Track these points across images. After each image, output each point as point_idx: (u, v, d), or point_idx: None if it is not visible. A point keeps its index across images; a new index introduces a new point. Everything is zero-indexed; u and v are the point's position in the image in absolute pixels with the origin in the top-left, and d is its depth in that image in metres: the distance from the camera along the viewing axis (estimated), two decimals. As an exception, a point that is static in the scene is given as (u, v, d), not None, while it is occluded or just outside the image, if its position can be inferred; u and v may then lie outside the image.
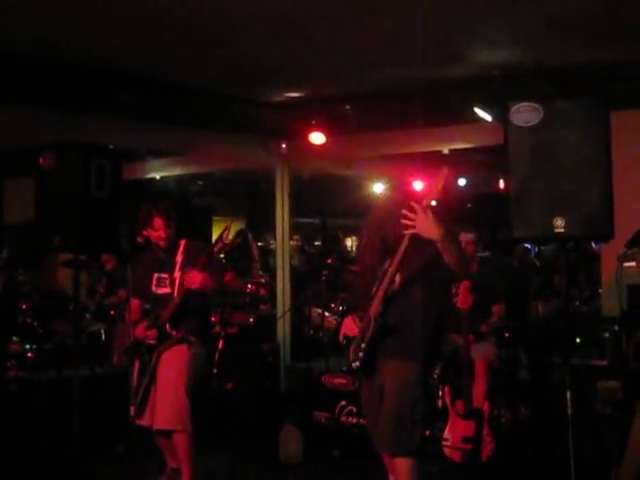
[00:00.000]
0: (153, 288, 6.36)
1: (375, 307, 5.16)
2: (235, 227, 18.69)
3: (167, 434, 6.19)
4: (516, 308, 8.55)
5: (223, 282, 6.29)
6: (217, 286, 6.12)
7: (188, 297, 6.09)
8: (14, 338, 8.67)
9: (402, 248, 4.96)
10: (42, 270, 11.02)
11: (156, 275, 6.36)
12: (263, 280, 11.71)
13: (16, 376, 8.10)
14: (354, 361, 5.30)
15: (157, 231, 6.23)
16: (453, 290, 6.71)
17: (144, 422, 6.20)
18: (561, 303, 7.87)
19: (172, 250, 6.34)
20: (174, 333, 6.18)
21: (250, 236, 13.24)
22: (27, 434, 7.38)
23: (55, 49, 7.25)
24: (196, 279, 5.91)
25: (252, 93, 9.13)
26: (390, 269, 5.07)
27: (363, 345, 5.22)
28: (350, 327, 5.44)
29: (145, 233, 6.28)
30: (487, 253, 12.94)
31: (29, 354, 8.60)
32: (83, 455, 6.24)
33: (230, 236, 5.99)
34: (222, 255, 6.13)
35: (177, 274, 6.21)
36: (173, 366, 6.18)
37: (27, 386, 8.02)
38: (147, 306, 6.53)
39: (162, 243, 6.28)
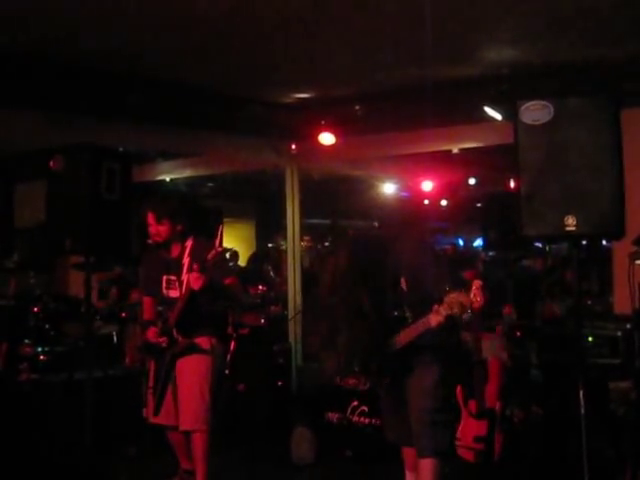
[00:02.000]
0: (164, 290, 6.37)
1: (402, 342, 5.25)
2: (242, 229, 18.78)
3: (186, 434, 6.22)
4: (526, 307, 8.55)
5: (222, 284, 6.25)
6: (206, 285, 6.06)
7: (191, 301, 6.09)
8: (26, 341, 8.69)
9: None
10: (53, 273, 11.04)
11: (165, 277, 6.37)
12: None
13: (28, 379, 8.12)
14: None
15: (150, 226, 6.26)
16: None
17: (160, 421, 6.23)
18: (573, 301, 7.85)
19: (177, 249, 6.34)
20: (180, 338, 6.18)
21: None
22: (40, 436, 7.39)
23: (65, 51, 7.26)
24: (198, 281, 5.92)
25: (262, 94, 9.13)
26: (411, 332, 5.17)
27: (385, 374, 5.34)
28: None
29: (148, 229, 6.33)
30: (497, 253, 12.95)
31: (41, 357, 8.61)
32: (95, 457, 6.25)
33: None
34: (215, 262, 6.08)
35: (185, 276, 6.21)
36: (196, 371, 6.20)
37: (39, 388, 8.03)
38: (160, 308, 6.54)
39: (155, 239, 6.29)
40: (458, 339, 6.72)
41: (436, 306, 5.00)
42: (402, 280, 5.37)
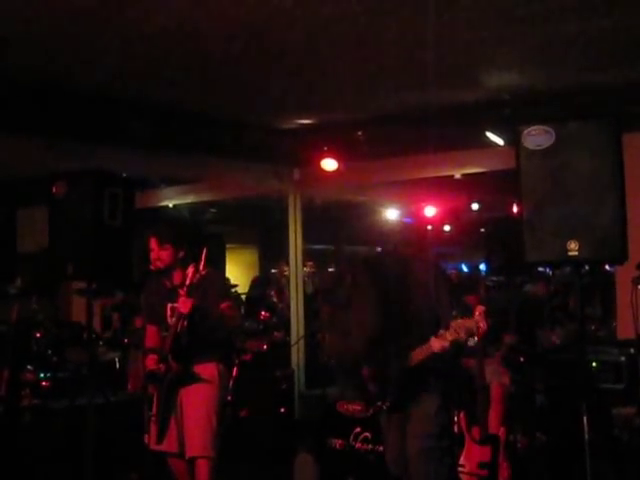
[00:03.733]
0: (169, 319, 6.35)
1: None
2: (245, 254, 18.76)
3: (190, 461, 6.19)
4: (528, 334, 8.52)
5: (212, 308, 6.22)
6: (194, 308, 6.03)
7: (192, 326, 6.06)
8: (28, 367, 8.67)
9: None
10: (56, 299, 11.04)
11: (169, 305, 6.34)
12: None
13: (30, 404, 8.10)
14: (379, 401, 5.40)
15: (152, 251, 6.24)
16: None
17: (161, 448, 6.19)
18: (576, 326, 7.84)
19: (178, 277, 6.31)
20: (174, 364, 6.13)
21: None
22: (41, 462, 7.36)
23: (68, 78, 7.29)
24: (186, 304, 5.90)
25: (264, 120, 9.15)
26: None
27: (389, 393, 5.33)
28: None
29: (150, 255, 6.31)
30: (501, 278, 12.93)
31: (43, 383, 8.60)
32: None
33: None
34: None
35: None
36: (202, 401, 6.17)
37: (41, 414, 8.01)
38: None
39: (158, 264, 6.26)
40: (459, 365, 6.69)
41: (442, 331, 4.99)
42: (414, 301, 5.35)
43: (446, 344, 4.99)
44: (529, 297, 11.89)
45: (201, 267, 5.94)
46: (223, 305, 6.24)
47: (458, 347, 5.34)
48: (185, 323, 6.03)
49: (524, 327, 8.14)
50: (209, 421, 6.14)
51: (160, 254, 6.23)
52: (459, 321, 4.95)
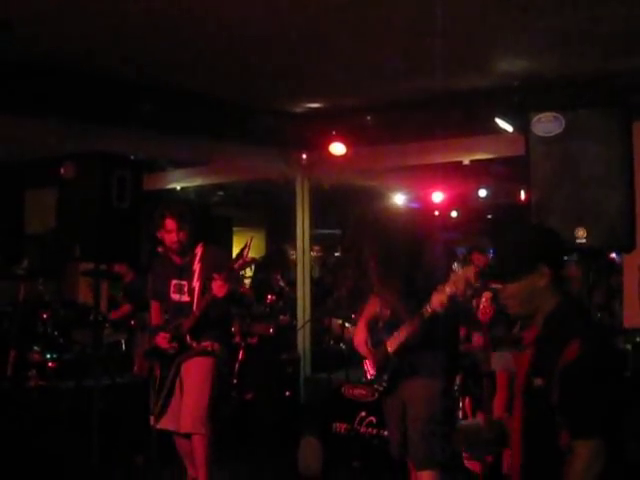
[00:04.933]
0: (172, 295, 6.37)
1: (393, 345, 5.23)
2: (256, 241, 18.78)
3: (189, 438, 6.22)
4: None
5: (239, 292, 6.29)
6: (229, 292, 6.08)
7: (210, 308, 6.10)
8: (35, 348, 8.69)
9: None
10: (63, 280, 11.06)
11: (174, 282, 6.36)
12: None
13: (37, 385, 8.12)
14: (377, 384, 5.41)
15: (169, 233, 6.23)
16: (474, 302, 6.68)
17: (165, 425, 6.22)
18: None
19: (188, 255, 6.34)
20: (194, 344, 6.19)
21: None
22: (47, 443, 7.39)
23: (77, 60, 7.28)
24: (222, 289, 5.92)
25: (273, 104, 9.14)
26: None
27: (385, 377, 5.31)
28: (361, 344, 5.54)
29: (159, 236, 6.30)
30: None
31: (50, 364, 8.61)
32: (103, 465, 6.25)
33: (250, 253, 6.00)
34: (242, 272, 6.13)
35: (196, 283, 6.20)
36: (200, 375, 6.20)
37: (47, 395, 8.03)
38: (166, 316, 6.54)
39: (175, 246, 6.27)
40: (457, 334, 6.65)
41: (441, 286, 4.95)
42: (419, 275, 5.34)
43: (444, 298, 4.94)
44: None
45: (246, 254, 5.93)
46: (243, 289, 6.32)
47: (456, 307, 5.30)
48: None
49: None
50: (203, 397, 6.16)
51: (179, 236, 6.24)
52: (458, 273, 4.92)
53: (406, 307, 5.29)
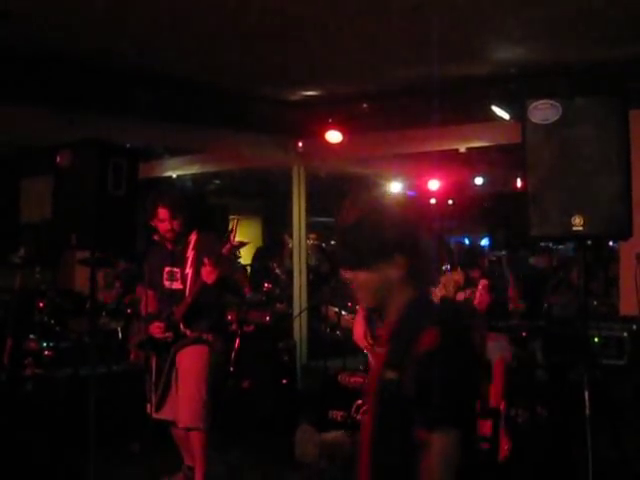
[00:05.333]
0: (165, 282, 6.38)
1: None
2: (248, 226, 18.75)
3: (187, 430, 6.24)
4: (533, 306, 8.53)
5: (233, 277, 6.29)
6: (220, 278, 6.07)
7: (201, 295, 6.10)
8: (31, 336, 8.70)
9: None
10: (59, 268, 11.05)
11: (167, 269, 6.37)
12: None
13: (33, 374, 8.13)
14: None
15: (162, 222, 6.26)
16: (470, 290, 6.69)
17: (163, 415, 6.23)
18: (576, 299, 7.84)
19: (182, 243, 6.35)
20: (188, 332, 6.19)
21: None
22: (43, 431, 7.40)
23: (72, 48, 7.27)
24: (212, 275, 5.92)
25: (269, 92, 9.13)
26: None
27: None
28: (360, 337, 5.54)
29: (153, 224, 6.31)
30: (504, 252, 12.91)
31: (46, 352, 8.62)
32: (99, 452, 6.24)
33: (237, 237, 6.00)
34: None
35: (189, 270, 6.22)
36: (194, 366, 6.21)
37: (44, 384, 8.04)
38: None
39: (168, 235, 6.29)
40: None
41: (431, 289, 4.97)
42: None
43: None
44: (533, 269, 11.93)
45: (232, 238, 5.94)
46: (236, 275, 6.32)
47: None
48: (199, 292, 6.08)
49: (530, 299, 8.16)
50: (199, 391, 6.18)
51: (173, 224, 6.25)
52: (447, 275, 4.94)
53: None
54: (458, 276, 4.89)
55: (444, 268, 5.05)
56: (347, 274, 3.06)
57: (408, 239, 3.04)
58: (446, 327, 2.88)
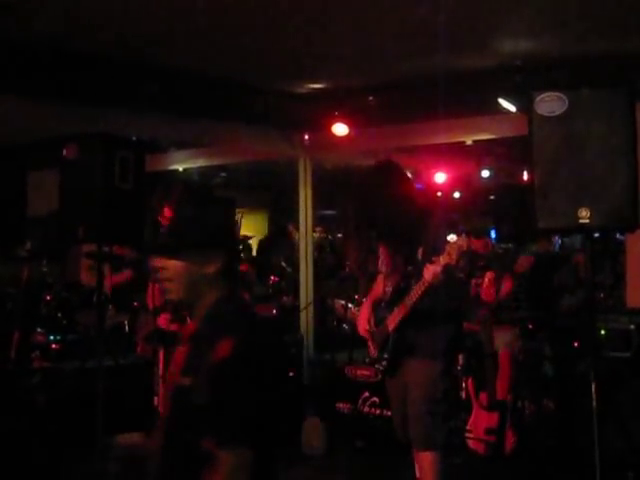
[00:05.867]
0: None
1: (393, 322, 5.26)
2: (254, 219, 18.76)
3: None
4: (541, 299, 8.53)
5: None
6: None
7: None
8: (38, 329, 8.72)
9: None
10: (66, 262, 11.07)
11: None
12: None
13: (40, 367, 8.15)
14: (378, 364, 5.45)
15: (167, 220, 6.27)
16: (475, 281, 6.71)
17: None
18: (585, 294, 7.84)
19: None
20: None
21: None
22: (50, 424, 7.42)
23: (78, 41, 7.26)
24: None
25: (275, 84, 9.12)
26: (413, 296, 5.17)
27: (386, 356, 5.35)
28: (363, 321, 5.58)
29: (160, 220, 6.32)
30: (510, 245, 12.93)
31: (53, 345, 8.65)
32: (106, 445, 6.26)
33: (242, 231, 6.02)
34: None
35: None
36: None
37: (51, 377, 8.06)
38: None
39: None
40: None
41: (435, 257, 5.00)
42: (420, 250, 5.37)
43: (438, 268, 4.98)
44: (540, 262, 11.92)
45: (236, 231, 5.96)
46: (243, 267, 6.33)
47: (452, 278, 5.33)
48: None
49: (538, 291, 8.17)
50: None
51: None
52: (451, 243, 4.96)
53: (406, 282, 5.34)
54: (462, 241, 4.90)
55: (450, 237, 5.05)
56: (159, 261, 2.94)
57: (229, 237, 3.00)
58: (246, 336, 2.75)
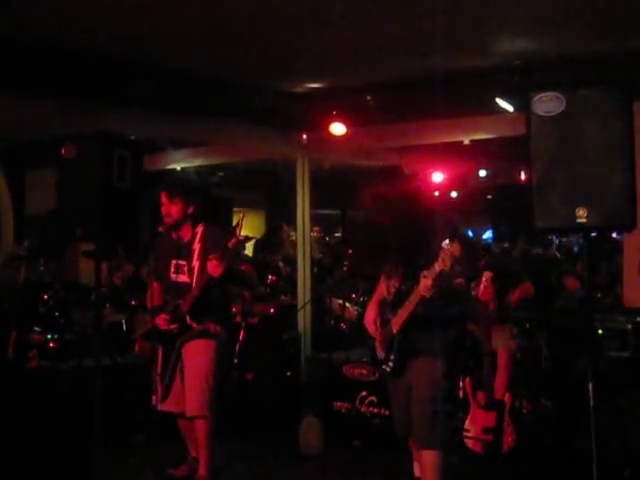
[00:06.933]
0: (171, 275, 6.40)
1: (397, 324, 5.28)
2: (252, 218, 18.76)
3: (192, 420, 6.26)
4: (538, 298, 8.53)
5: (239, 270, 6.32)
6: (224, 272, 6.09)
7: (208, 287, 6.12)
8: (36, 328, 8.71)
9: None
10: (63, 261, 11.06)
11: (174, 262, 6.39)
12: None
13: (38, 366, 8.14)
14: (384, 365, 5.48)
15: (162, 206, 6.33)
16: (474, 281, 6.70)
17: (167, 407, 6.25)
18: (583, 293, 7.85)
19: (187, 234, 6.37)
20: (194, 325, 6.21)
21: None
22: (48, 423, 7.41)
23: (76, 39, 7.26)
24: (218, 268, 5.94)
25: (273, 83, 9.11)
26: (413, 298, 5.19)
27: (392, 357, 5.37)
28: (370, 322, 5.60)
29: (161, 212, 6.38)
30: (507, 245, 12.94)
31: (51, 344, 8.64)
32: (104, 444, 6.26)
33: (243, 231, 6.02)
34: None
35: (195, 263, 6.25)
36: (200, 358, 6.24)
37: (49, 376, 8.05)
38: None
39: (167, 220, 6.33)
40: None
41: (425, 271, 5.03)
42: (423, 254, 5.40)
43: (429, 282, 5.02)
44: (538, 260, 11.94)
45: (238, 232, 5.96)
46: (243, 267, 6.35)
47: (448, 285, 5.34)
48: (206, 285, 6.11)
49: (535, 291, 8.17)
50: (206, 380, 6.21)
51: (170, 209, 6.31)
52: (444, 249, 4.97)
53: (407, 285, 5.36)
54: (454, 248, 4.91)
55: (443, 243, 5.06)
56: None
57: None
58: None
